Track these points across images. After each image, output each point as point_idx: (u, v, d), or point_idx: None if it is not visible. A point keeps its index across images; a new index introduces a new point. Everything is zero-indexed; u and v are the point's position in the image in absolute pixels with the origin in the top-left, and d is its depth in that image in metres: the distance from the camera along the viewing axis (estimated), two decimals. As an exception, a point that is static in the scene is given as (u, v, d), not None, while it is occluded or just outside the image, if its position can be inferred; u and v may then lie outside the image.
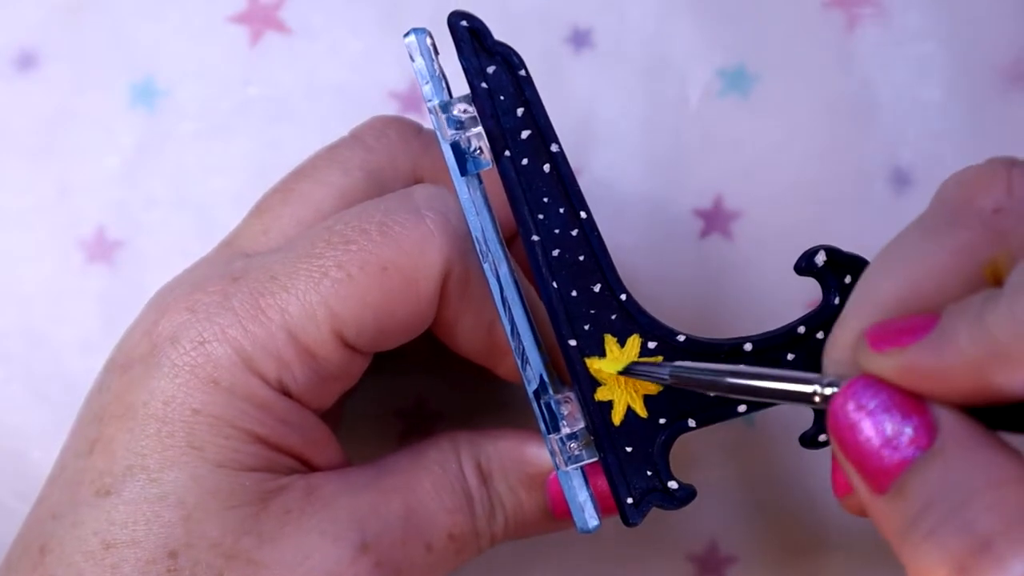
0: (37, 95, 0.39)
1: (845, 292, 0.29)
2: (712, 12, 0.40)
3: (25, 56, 0.39)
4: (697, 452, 0.38)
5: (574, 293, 0.30)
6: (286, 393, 0.30)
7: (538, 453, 0.31)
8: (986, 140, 0.30)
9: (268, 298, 0.30)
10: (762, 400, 0.27)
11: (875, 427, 0.24)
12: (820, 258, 0.30)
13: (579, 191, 0.30)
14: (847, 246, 0.40)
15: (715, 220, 0.39)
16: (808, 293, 0.39)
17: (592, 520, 0.30)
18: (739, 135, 0.39)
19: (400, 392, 0.38)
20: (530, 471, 0.31)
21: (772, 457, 0.38)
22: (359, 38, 0.39)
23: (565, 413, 0.30)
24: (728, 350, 0.30)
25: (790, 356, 0.30)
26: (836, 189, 0.36)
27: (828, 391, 0.25)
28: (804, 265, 0.30)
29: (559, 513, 0.31)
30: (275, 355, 0.29)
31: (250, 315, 0.29)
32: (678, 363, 0.29)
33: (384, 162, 0.33)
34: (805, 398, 0.25)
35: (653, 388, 0.30)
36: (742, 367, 0.28)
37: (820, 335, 0.30)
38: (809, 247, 0.30)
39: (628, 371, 0.30)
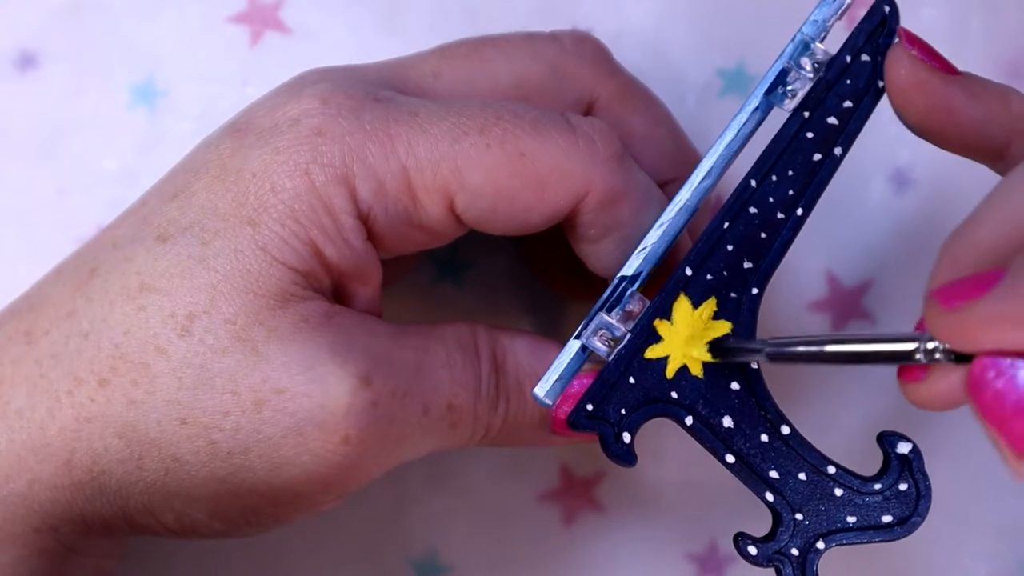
0: (37, 96, 0.39)
1: None
2: (711, 12, 0.40)
3: (25, 57, 0.39)
4: (697, 451, 0.38)
5: (729, 248, 0.30)
6: (367, 220, 0.30)
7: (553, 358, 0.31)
8: (986, 139, 0.31)
9: (401, 128, 0.30)
10: (865, 364, 0.27)
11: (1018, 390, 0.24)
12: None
13: (819, 194, 0.31)
14: (847, 246, 0.40)
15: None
16: (809, 292, 0.39)
17: (547, 396, 0.30)
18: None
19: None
20: (542, 373, 0.31)
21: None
22: (358, 38, 0.39)
23: (626, 308, 0.30)
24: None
25: None
26: (836, 189, 0.36)
27: (930, 345, 0.25)
28: None
29: (556, 425, 0.31)
30: (378, 181, 0.29)
31: (376, 136, 0.30)
32: (774, 338, 0.28)
33: (572, 67, 0.33)
34: (906, 356, 0.25)
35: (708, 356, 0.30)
36: (840, 334, 0.27)
37: None
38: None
39: (722, 348, 0.30)
